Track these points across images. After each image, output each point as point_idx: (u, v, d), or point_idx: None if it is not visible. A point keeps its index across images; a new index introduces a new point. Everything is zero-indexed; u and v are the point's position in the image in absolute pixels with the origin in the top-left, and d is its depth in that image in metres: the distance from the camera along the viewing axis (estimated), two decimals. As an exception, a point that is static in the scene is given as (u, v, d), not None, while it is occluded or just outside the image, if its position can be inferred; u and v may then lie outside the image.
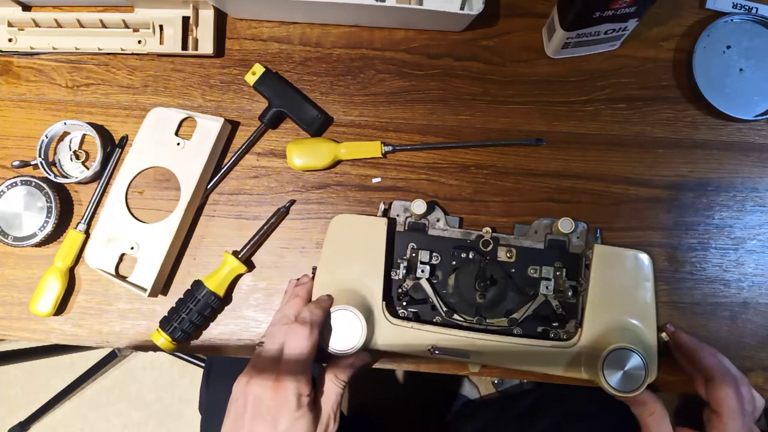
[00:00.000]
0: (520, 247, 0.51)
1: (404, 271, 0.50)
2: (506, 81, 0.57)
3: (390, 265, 0.50)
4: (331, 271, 0.50)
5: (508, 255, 0.50)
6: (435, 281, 0.51)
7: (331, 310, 0.45)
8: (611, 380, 0.44)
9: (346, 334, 0.45)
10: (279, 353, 0.43)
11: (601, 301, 0.48)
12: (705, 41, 0.57)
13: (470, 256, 0.50)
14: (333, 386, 0.45)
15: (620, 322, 0.48)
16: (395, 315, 0.50)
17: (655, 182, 0.56)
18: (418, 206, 0.50)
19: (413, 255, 0.50)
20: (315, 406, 0.43)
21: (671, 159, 0.57)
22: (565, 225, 0.49)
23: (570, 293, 0.49)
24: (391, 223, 0.51)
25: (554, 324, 0.50)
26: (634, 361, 0.44)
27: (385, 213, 0.53)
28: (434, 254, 0.51)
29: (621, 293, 0.49)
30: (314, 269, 0.52)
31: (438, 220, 0.52)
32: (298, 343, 0.43)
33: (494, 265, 0.50)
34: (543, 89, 0.57)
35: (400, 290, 0.50)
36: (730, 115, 0.55)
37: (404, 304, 0.50)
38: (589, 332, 0.47)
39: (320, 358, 0.47)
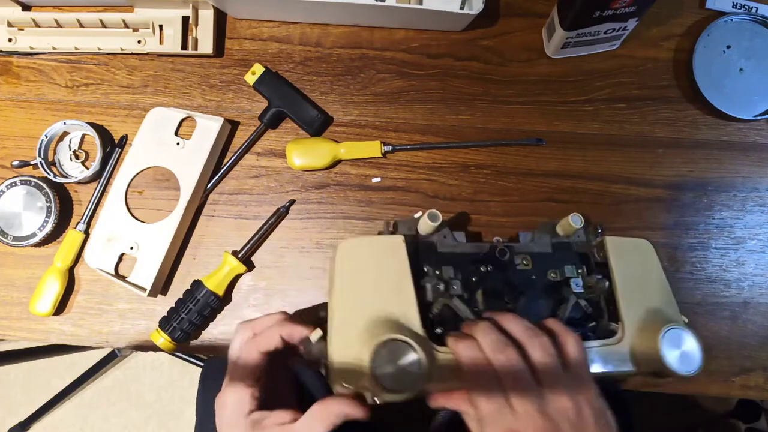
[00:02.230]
0: (534, 253, 0.48)
1: (433, 293, 0.43)
2: (506, 81, 0.57)
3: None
4: (348, 307, 0.41)
5: (524, 263, 0.47)
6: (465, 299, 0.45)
7: (374, 342, 0.36)
8: (673, 362, 0.42)
9: (398, 372, 0.35)
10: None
11: (630, 292, 0.46)
12: (705, 41, 0.57)
13: (488, 269, 0.46)
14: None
15: (651, 309, 0.46)
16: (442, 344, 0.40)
17: (656, 182, 0.56)
18: (427, 224, 0.44)
19: (436, 273, 0.45)
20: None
21: (671, 159, 0.57)
22: (575, 220, 0.47)
23: (602, 287, 0.46)
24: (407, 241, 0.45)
25: (591, 324, 0.46)
26: (689, 341, 0.42)
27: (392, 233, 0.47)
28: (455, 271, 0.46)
29: (642, 281, 0.47)
30: (320, 311, 0.46)
31: (445, 237, 0.47)
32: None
33: (516, 274, 0.46)
34: (543, 89, 0.57)
35: (430, 315, 0.43)
36: (730, 115, 0.55)
37: (439, 331, 0.43)
38: (630, 325, 0.45)
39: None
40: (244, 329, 0.41)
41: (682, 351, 0.42)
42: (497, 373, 0.35)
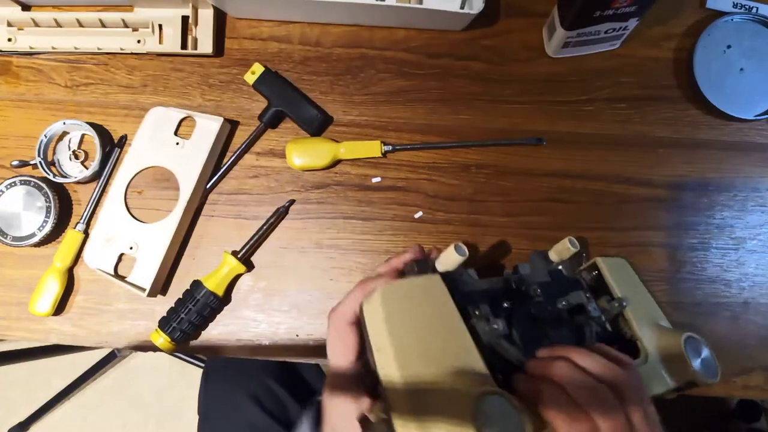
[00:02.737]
0: (540, 282, 0.44)
1: (488, 335, 0.38)
2: (506, 80, 0.57)
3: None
4: (412, 363, 0.34)
5: (537, 294, 0.43)
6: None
7: (471, 400, 0.30)
8: (701, 370, 0.41)
9: (503, 427, 0.30)
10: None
11: (635, 308, 0.45)
12: (705, 41, 0.57)
13: (507, 304, 0.41)
14: None
15: (653, 321, 0.46)
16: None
17: (656, 182, 0.56)
18: (452, 258, 0.39)
19: (476, 313, 0.39)
20: None
21: (672, 159, 0.57)
22: (573, 243, 0.44)
23: (618, 308, 0.44)
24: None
25: (614, 346, 0.42)
26: (704, 348, 0.42)
27: (422, 270, 0.41)
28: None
29: (636, 295, 0.47)
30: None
31: (461, 275, 0.42)
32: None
33: (536, 307, 0.42)
34: (543, 89, 0.57)
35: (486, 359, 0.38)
36: (731, 115, 0.55)
37: (500, 377, 0.37)
38: (649, 341, 0.44)
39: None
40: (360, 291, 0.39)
41: (702, 358, 0.42)
42: (593, 419, 0.33)
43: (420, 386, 0.33)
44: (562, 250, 0.45)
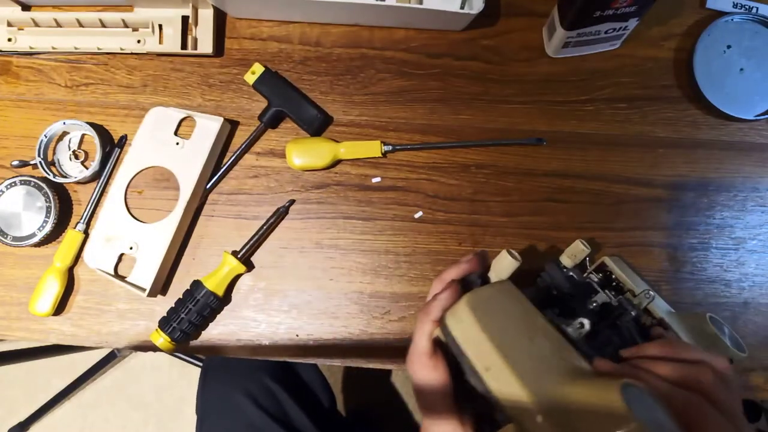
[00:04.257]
0: (566, 290, 0.44)
1: (575, 334, 0.36)
2: (506, 80, 0.57)
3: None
4: (528, 374, 0.30)
5: (571, 298, 0.43)
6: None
7: (618, 388, 0.27)
8: (733, 346, 0.41)
9: (655, 417, 0.28)
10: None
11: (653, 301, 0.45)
12: (705, 41, 0.57)
13: (557, 311, 0.40)
14: None
15: (668, 310, 0.46)
16: None
17: (656, 182, 0.56)
18: (507, 264, 0.38)
19: (547, 316, 0.37)
20: None
21: (672, 159, 0.57)
22: (585, 244, 0.44)
23: (647, 298, 0.44)
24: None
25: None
26: (724, 326, 0.42)
27: (470, 286, 0.38)
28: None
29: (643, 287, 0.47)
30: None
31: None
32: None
33: (582, 309, 0.41)
34: (543, 89, 0.57)
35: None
36: (731, 115, 0.55)
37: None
38: (677, 329, 0.44)
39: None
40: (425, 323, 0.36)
41: (728, 336, 0.42)
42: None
43: (553, 397, 0.29)
44: (576, 252, 0.45)
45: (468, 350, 0.32)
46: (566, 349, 0.33)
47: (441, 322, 0.35)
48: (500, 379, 0.30)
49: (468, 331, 0.32)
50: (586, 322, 0.35)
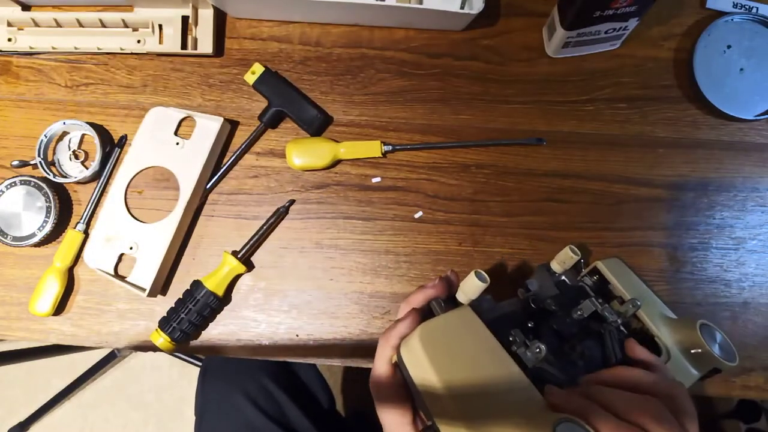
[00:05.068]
0: (551, 296, 0.43)
1: (532, 360, 0.35)
2: (506, 80, 0.57)
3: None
4: (470, 408, 0.31)
5: (553, 308, 0.42)
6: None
7: (552, 424, 0.28)
8: (722, 356, 0.41)
9: None
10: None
11: (645, 306, 0.44)
12: (705, 41, 0.57)
13: (531, 324, 0.40)
14: None
15: (662, 315, 0.46)
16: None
17: (656, 182, 0.56)
18: (474, 286, 0.38)
19: (510, 339, 0.37)
20: None
21: (672, 159, 0.57)
22: (574, 250, 0.43)
23: (633, 308, 0.43)
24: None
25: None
26: (717, 333, 0.42)
27: (430, 314, 0.39)
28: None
29: (639, 293, 0.47)
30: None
31: (480, 302, 0.41)
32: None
33: (558, 322, 0.41)
34: (543, 89, 0.57)
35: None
36: (731, 115, 0.55)
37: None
38: (665, 337, 0.44)
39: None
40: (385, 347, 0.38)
41: (718, 343, 0.42)
42: None
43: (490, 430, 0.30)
44: (564, 258, 0.44)
45: (416, 380, 0.33)
46: (517, 381, 0.33)
47: (396, 350, 0.36)
48: (443, 414, 0.31)
49: (418, 363, 0.34)
50: (543, 347, 0.34)
